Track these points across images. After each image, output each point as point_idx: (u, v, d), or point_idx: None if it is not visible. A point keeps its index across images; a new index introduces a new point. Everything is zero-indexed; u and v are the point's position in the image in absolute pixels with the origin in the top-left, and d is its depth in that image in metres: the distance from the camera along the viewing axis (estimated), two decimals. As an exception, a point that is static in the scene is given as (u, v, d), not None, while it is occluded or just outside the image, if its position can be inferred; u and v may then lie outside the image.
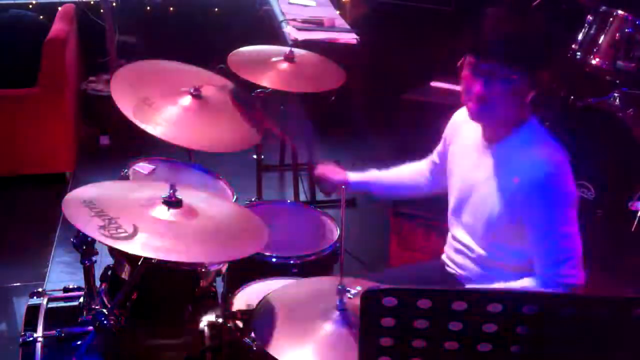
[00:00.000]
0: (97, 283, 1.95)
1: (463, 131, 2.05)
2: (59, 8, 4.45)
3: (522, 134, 1.88)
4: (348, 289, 1.62)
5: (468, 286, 2.04)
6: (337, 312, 1.60)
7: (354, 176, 2.32)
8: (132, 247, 1.57)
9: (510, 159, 1.88)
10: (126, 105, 2.17)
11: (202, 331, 1.85)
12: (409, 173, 2.32)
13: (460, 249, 2.07)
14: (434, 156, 2.24)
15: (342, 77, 2.79)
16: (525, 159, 1.84)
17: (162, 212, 1.71)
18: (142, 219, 1.67)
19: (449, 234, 2.15)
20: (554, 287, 1.80)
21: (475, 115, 1.89)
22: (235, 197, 2.39)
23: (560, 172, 1.81)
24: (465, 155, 2.03)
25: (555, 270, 1.81)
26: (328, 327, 1.58)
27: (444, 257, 2.18)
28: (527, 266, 1.88)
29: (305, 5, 4.36)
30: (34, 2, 4.66)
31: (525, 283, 1.86)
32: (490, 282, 1.97)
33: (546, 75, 1.83)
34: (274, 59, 2.69)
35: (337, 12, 4.43)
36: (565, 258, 1.81)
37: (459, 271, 2.08)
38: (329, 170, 2.35)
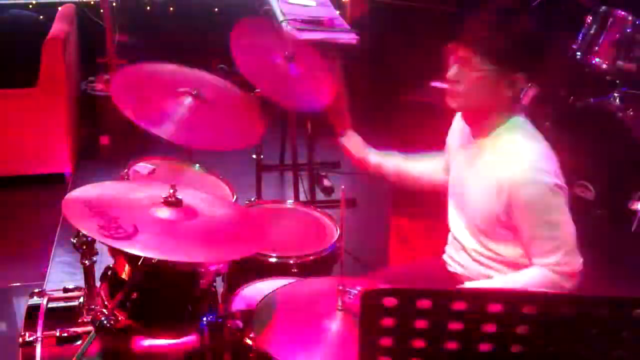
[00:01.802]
0: (97, 283, 1.95)
1: (458, 131, 2.10)
2: (59, 8, 4.44)
3: (505, 129, 1.91)
4: (348, 289, 1.62)
5: (468, 284, 2.05)
6: (337, 312, 1.60)
7: (373, 156, 2.32)
8: (132, 247, 1.58)
9: (493, 154, 1.91)
10: (126, 105, 2.17)
11: (202, 331, 1.86)
12: (428, 165, 2.32)
13: (460, 247, 2.08)
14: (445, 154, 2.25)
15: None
16: (507, 152, 1.87)
17: (162, 212, 1.71)
18: (142, 219, 1.67)
19: (450, 233, 2.16)
20: (550, 276, 1.82)
21: (450, 99, 1.93)
22: (235, 197, 2.39)
23: (540, 163, 1.83)
24: (458, 154, 2.08)
25: (546, 260, 1.83)
26: (328, 327, 1.58)
27: (445, 256, 2.19)
28: (525, 260, 1.90)
29: (305, 5, 4.35)
30: (34, 2, 4.66)
31: (524, 277, 1.87)
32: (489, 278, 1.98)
33: (521, 77, 1.86)
34: (274, 59, 2.68)
35: (337, 12, 4.41)
36: (555, 247, 1.82)
37: (460, 269, 2.10)
38: (351, 145, 2.34)
